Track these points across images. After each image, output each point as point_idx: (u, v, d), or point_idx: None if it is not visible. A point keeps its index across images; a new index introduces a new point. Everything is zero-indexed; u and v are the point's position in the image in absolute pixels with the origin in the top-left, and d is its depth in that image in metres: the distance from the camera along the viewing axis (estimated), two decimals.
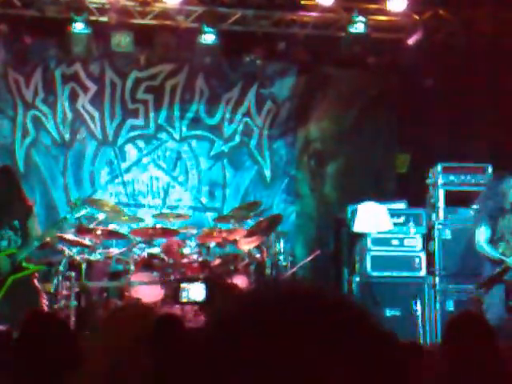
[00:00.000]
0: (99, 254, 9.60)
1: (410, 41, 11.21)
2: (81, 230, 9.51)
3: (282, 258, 10.06)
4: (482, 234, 8.59)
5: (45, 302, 7.58)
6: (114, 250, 9.82)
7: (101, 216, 9.74)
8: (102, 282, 9.62)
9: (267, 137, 11.73)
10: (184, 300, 9.15)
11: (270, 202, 11.46)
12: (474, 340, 4.23)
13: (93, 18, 10.67)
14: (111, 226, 9.85)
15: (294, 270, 9.98)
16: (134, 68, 11.52)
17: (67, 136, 11.29)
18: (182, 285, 9.18)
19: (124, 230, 10.17)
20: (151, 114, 11.53)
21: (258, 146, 11.72)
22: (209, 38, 10.87)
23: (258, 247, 9.88)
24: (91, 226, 9.54)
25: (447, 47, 10.99)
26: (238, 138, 11.69)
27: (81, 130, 11.35)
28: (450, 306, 9.69)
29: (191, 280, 9.24)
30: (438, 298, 9.77)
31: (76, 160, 11.31)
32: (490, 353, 4.14)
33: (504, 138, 10.27)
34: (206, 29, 10.82)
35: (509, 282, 8.38)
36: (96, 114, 11.38)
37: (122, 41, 10.79)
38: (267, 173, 11.71)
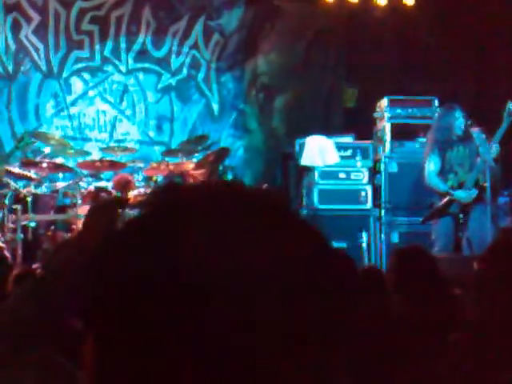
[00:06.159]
0: (45, 187, 9.50)
1: None
2: (26, 164, 9.38)
3: None
4: (431, 167, 8.70)
5: None
6: (61, 184, 9.69)
7: (47, 150, 9.63)
8: (48, 215, 9.51)
9: (215, 70, 11.58)
10: None
11: (217, 136, 11.38)
12: (419, 270, 4.37)
13: None
14: (58, 160, 9.73)
15: None
16: None
17: (11, 68, 11.01)
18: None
19: (70, 163, 10.05)
20: (97, 46, 11.25)
21: (206, 80, 11.58)
22: None
23: None
24: (37, 159, 9.44)
25: None
26: (185, 71, 11.51)
27: (24, 62, 11.07)
28: (395, 238, 9.84)
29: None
30: (383, 230, 9.91)
31: (20, 93, 11.04)
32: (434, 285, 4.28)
33: (451, 73, 10.34)
34: None
35: (455, 215, 8.54)
36: (40, 46, 11.10)
37: None
38: (215, 106, 11.60)
